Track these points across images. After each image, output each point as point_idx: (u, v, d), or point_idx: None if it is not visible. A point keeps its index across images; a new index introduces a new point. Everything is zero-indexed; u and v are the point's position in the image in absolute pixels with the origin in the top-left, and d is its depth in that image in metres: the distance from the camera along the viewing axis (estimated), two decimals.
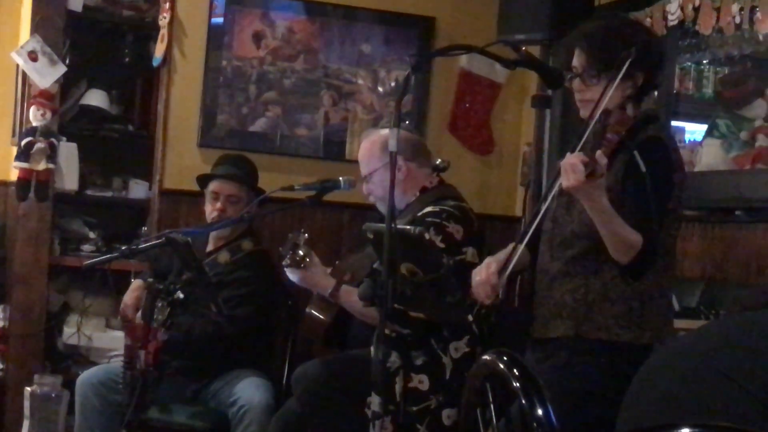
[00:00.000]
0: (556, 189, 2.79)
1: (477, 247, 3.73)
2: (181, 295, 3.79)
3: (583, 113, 3.02)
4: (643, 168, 2.74)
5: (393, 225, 2.72)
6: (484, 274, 2.97)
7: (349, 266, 4.07)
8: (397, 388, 3.58)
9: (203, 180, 4.55)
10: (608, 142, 2.61)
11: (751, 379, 1.89)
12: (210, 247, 4.52)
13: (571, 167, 2.56)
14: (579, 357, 2.93)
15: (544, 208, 2.95)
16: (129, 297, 4.41)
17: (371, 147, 3.97)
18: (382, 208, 3.95)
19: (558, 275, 3.00)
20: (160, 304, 3.89)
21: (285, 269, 3.82)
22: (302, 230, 3.76)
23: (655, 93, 3.60)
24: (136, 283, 4.48)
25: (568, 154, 2.63)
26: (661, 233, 2.86)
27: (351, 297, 3.72)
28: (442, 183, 3.99)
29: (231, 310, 4.25)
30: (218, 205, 4.43)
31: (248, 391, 4.22)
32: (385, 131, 4.05)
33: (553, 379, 2.74)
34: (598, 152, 2.56)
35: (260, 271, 4.43)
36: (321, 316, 4.07)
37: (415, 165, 3.92)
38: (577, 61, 3.01)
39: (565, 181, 2.59)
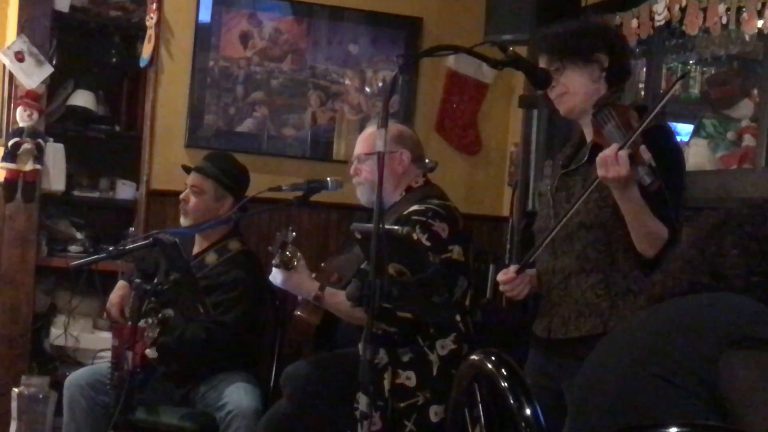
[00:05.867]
0: (593, 186, 2.82)
1: (463, 246, 3.72)
2: (170, 313, 3.83)
3: (562, 110, 3.09)
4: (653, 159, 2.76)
5: (381, 225, 2.72)
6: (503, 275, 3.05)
7: (336, 267, 4.06)
8: (385, 384, 3.58)
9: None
10: (634, 132, 2.68)
11: (684, 376, 1.98)
12: (197, 249, 4.51)
13: (617, 159, 2.62)
14: None
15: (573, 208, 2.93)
16: (114, 296, 4.43)
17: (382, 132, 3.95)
18: (364, 196, 3.93)
19: (572, 273, 2.99)
20: (150, 321, 3.90)
21: (273, 270, 3.78)
22: (290, 228, 3.73)
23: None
24: (120, 284, 4.48)
25: (613, 146, 2.67)
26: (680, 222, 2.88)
27: (336, 299, 3.68)
28: (427, 183, 3.98)
29: (221, 315, 4.24)
30: (183, 195, 4.47)
31: (236, 395, 4.20)
32: (401, 126, 4.05)
33: None
34: (642, 146, 2.63)
35: (249, 272, 4.41)
36: (309, 318, 4.06)
37: (414, 165, 3.92)
38: (541, 64, 3.09)
39: (611, 172, 2.64)
